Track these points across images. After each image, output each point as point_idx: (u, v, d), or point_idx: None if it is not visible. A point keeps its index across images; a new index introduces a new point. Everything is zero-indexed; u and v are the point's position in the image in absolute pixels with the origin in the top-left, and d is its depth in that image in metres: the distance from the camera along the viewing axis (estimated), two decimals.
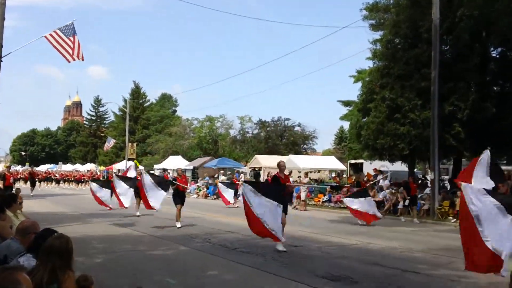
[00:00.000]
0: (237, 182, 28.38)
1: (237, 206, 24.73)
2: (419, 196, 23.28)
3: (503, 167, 29.37)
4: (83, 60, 17.25)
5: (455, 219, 19.84)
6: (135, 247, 12.55)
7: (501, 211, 7.91)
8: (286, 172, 32.12)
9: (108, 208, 22.44)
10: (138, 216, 20.19)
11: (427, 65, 22.52)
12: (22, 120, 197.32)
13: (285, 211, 12.24)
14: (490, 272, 8.20)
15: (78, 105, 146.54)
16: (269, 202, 11.73)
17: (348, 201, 19.63)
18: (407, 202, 22.15)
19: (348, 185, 30.15)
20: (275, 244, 12.46)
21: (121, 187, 21.56)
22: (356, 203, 19.08)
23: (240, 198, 22.72)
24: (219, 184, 28.32)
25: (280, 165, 12.99)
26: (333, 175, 40.88)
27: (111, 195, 22.60)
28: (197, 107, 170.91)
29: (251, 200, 11.71)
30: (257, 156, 45.28)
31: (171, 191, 18.32)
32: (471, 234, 8.03)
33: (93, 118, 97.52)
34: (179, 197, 17.39)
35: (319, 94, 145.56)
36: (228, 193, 27.05)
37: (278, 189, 12.35)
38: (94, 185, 23.90)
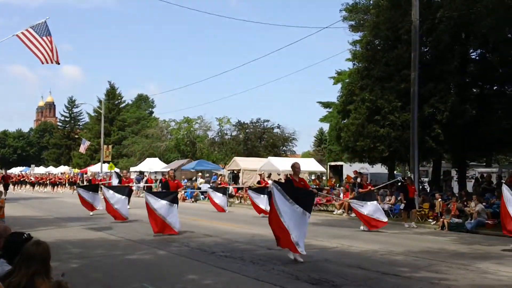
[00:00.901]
0: (267, 184, 25.07)
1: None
2: (398, 198, 23.49)
3: (483, 170, 29.89)
4: (58, 63, 16.91)
5: (435, 222, 20.10)
6: (111, 251, 12.43)
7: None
8: (266, 174, 32.21)
9: (95, 210, 22.63)
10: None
11: (407, 67, 22.77)
12: None
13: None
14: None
15: (51, 106, 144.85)
16: (298, 209, 11.04)
17: (356, 205, 18.14)
18: (401, 206, 21.61)
19: (328, 188, 30.37)
20: (254, 248, 12.47)
21: (115, 197, 20.09)
22: (365, 207, 17.85)
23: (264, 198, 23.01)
24: (249, 192, 25.15)
25: (295, 167, 11.90)
26: (313, 177, 40.98)
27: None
28: (174, 109, 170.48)
29: (280, 205, 11.01)
30: (235, 158, 45.24)
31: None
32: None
33: (66, 119, 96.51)
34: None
35: (299, 96, 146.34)
36: (260, 199, 23.80)
37: (308, 193, 11.60)
38: (81, 190, 23.65)
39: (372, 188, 20.26)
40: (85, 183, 43.45)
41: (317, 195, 29.26)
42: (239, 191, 34.72)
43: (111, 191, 20.11)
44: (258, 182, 27.12)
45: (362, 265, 10.67)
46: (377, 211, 18.09)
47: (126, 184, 23.79)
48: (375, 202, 18.47)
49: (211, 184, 37.61)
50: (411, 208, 20.71)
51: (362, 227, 18.07)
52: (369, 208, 17.89)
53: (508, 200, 14.58)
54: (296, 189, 11.52)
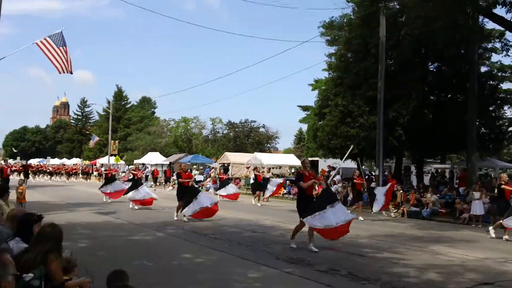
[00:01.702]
0: (265, 176, 25.07)
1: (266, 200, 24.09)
2: (365, 190, 23.57)
3: (437, 166, 30.11)
4: (71, 73, 16.54)
5: (396, 210, 20.21)
6: (116, 233, 12.37)
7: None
8: (251, 168, 32.12)
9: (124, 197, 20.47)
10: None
11: (375, 76, 22.83)
12: (14, 118, 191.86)
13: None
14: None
15: (65, 105, 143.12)
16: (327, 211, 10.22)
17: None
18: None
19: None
20: (240, 231, 12.46)
21: (138, 192, 19.17)
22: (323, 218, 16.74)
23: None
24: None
25: (305, 162, 11.13)
26: (293, 170, 41.06)
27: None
28: (173, 109, 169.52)
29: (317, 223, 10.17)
30: (226, 153, 45.15)
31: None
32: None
33: (79, 117, 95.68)
34: (184, 193, 15.42)
35: (282, 100, 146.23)
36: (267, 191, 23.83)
37: (327, 194, 10.81)
38: (104, 188, 22.22)
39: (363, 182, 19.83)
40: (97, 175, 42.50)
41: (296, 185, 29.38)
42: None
43: (130, 193, 19.18)
44: (256, 177, 24.94)
45: (332, 246, 10.72)
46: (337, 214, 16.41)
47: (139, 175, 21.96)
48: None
49: (204, 175, 37.56)
50: (395, 200, 20.32)
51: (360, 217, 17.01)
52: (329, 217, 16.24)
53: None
54: (316, 200, 10.64)
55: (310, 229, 10.31)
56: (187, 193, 15.29)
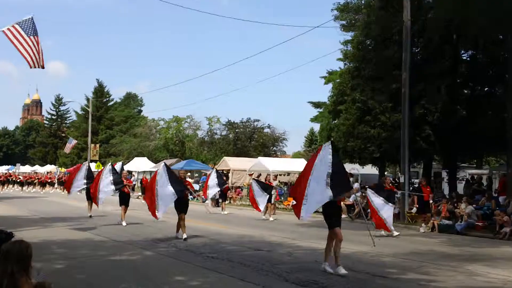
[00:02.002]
0: (272, 185, 23.92)
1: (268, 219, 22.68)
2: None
3: (473, 171, 30.09)
4: (43, 67, 16.54)
5: (425, 223, 20.15)
6: (97, 252, 12.37)
7: None
8: (255, 175, 32.21)
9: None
10: (90, 217, 20.76)
11: (398, 67, 22.84)
12: None
13: None
14: None
15: (37, 103, 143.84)
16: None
17: (376, 203, 16.73)
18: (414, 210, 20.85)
19: None
20: (242, 248, 12.46)
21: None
22: (384, 209, 16.61)
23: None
24: (253, 184, 23.37)
25: None
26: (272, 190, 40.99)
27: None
28: (163, 107, 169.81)
29: None
30: (225, 158, 45.19)
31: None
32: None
33: (53, 117, 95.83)
34: (182, 204, 15.11)
35: (290, 95, 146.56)
36: (261, 199, 22.71)
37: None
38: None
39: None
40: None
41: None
42: (229, 191, 34.62)
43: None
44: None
45: (351, 267, 10.69)
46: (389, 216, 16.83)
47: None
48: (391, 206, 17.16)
49: (200, 185, 37.56)
50: (426, 212, 19.98)
51: (383, 233, 16.79)
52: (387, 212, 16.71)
53: (377, 204, 16.45)
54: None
55: (327, 245, 10.41)
56: (185, 205, 15.16)
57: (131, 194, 20.53)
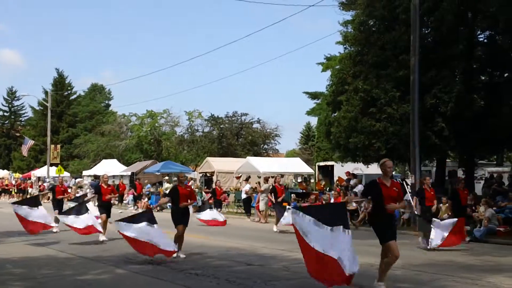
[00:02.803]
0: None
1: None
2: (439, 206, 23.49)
3: (493, 169, 30.31)
4: None
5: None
6: (61, 271, 12.31)
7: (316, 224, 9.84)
8: (243, 178, 32.17)
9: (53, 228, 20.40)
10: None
11: (406, 51, 22.93)
12: None
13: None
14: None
15: None
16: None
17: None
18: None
19: (317, 192, 30.52)
20: (230, 263, 12.47)
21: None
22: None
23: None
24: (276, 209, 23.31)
25: (386, 166, 10.09)
26: (299, 180, 41.16)
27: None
28: (136, 101, 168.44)
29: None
30: (208, 159, 45.22)
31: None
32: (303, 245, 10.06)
33: (6, 114, 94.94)
34: (182, 215, 14.48)
35: (282, 85, 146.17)
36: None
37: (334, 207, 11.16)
38: (18, 208, 20.24)
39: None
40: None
41: (304, 200, 29.44)
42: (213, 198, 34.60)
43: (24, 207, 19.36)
44: (274, 189, 24.20)
45: (356, 282, 10.70)
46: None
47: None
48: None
49: None
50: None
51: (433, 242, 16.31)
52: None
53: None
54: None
55: (382, 263, 10.07)
56: (184, 215, 14.51)
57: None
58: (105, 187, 18.49)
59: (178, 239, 14.24)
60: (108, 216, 18.26)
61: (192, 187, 33.43)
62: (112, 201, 19.57)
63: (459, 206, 18.08)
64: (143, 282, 11.12)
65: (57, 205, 21.29)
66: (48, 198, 28.06)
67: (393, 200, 9.85)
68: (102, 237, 17.83)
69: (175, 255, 13.79)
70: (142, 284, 10.86)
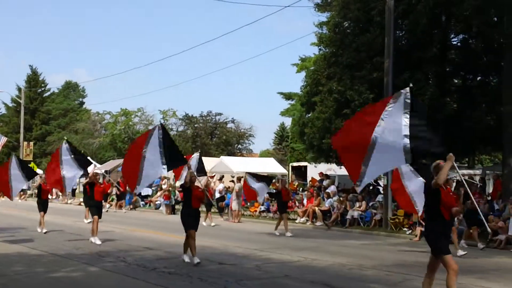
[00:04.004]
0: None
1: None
2: (370, 204, 23.84)
3: (464, 171, 30.61)
4: None
5: (410, 231, 20.48)
6: (32, 268, 12.21)
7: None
8: (217, 177, 32.12)
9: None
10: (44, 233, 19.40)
11: (380, 53, 23.06)
12: None
13: None
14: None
15: None
16: None
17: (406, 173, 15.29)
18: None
19: (290, 192, 30.54)
20: (203, 263, 12.44)
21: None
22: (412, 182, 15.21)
23: None
24: (247, 177, 22.20)
25: (439, 168, 9.22)
26: (273, 180, 41.17)
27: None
28: (109, 99, 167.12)
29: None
30: None
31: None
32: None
33: None
34: (194, 218, 13.53)
35: (257, 85, 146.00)
36: (260, 189, 21.47)
37: None
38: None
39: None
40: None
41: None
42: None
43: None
44: (280, 194, 21.61)
45: (328, 282, 10.80)
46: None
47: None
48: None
49: (152, 188, 37.33)
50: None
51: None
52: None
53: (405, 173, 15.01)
54: None
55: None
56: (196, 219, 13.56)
57: (72, 200, 20.28)
58: (98, 185, 17.50)
59: (190, 243, 13.06)
60: (100, 217, 17.08)
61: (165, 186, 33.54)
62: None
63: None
64: (115, 280, 11.06)
65: (42, 206, 19.92)
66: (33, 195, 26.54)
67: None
68: (96, 240, 16.52)
69: (187, 259, 13.05)
70: (114, 283, 10.80)
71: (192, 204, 13.31)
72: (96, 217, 16.89)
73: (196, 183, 13.73)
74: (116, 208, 33.63)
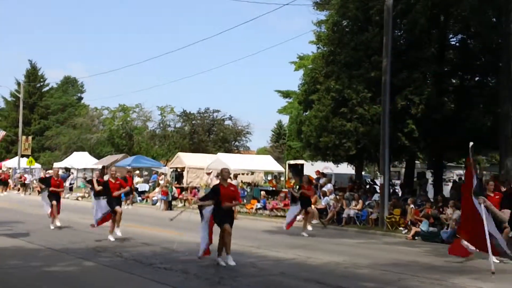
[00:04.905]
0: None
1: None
2: (366, 203, 23.83)
3: (461, 172, 30.63)
4: None
5: (406, 230, 20.47)
6: (28, 262, 12.18)
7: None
8: (214, 174, 32.02)
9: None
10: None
11: (378, 53, 23.06)
12: None
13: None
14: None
15: None
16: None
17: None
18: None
19: (286, 190, 30.55)
20: (198, 259, 12.42)
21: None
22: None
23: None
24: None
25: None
26: (269, 177, 41.20)
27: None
28: (108, 94, 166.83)
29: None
30: (179, 154, 44.98)
31: None
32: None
33: None
34: (223, 210, 12.44)
35: (255, 83, 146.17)
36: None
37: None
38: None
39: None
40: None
41: (273, 198, 29.44)
42: (183, 193, 34.51)
43: None
44: (299, 188, 20.49)
45: (322, 280, 10.77)
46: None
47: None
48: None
49: (150, 184, 37.33)
50: None
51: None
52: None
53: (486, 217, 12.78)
54: None
55: None
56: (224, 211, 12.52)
57: (69, 195, 20.08)
58: (113, 181, 16.80)
59: (225, 242, 12.18)
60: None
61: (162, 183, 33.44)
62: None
63: None
64: (111, 275, 11.03)
65: (55, 198, 19.37)
66: (39, 192, 25.61)
67: None
68: (118, 232, 16.33)
69: (223, 263, 12.09)
70: (110, 277, 10.76)
71: (221, 203, 12.26)
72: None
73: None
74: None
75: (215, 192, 12.39)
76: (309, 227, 19.84)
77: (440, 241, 18.56)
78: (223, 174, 12.76)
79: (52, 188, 19.64)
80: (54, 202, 19.20)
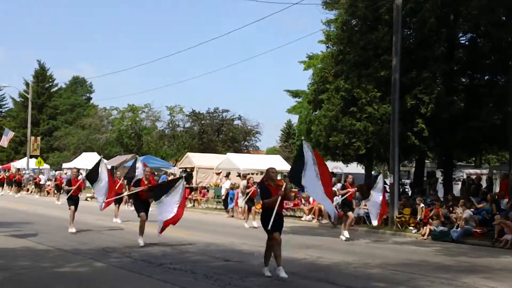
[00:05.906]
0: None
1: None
2: None
3: (471, 171, 30.55)
4: None
5: (416, 230, 20.42)
6: (38, 263, 12.21)
7: None
8: (223, 174, 32.05)
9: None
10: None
11: (388, 52, 23.01)
12: None
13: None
14: None
15: None
16: None
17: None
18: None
19: (296, 190, 30.52)
20: (208, 259, 12.43)
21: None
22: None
23: None
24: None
25: None
26: (279, 177, 41.13)
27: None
28: (117, 94, 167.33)
29: None
30: (188, 154, 45.05)
31: None
32: None
33: None
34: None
35: (264, 83, 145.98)
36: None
37: None
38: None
39: None
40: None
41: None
42: (192, 193, 34.56)
43: None
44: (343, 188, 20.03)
45: (333, 280, 10.77)
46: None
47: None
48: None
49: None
50: None
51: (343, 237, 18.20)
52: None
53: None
54: None
55: None
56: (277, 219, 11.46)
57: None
58: (146, 182, 15.95)
59: (276, 253, 11.26)
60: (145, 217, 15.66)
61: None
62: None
63: None
64: (121, 275, 11.05)
65: (73, 202, 18.56)
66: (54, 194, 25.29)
67: None
68: (141, 241, 15.26)
69: (268, 273, 11.06)
70: (120, 278, 10.79)
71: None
72: (143, 214, 15.59)
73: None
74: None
75: (267, 194, 11.58)
76: (346, 233, 18.40)
77: (451, 240, 18.53)
78: (270, 174, 11.63)
79: (73, 187, 18.59)
80: (73, 208, 18.21)
